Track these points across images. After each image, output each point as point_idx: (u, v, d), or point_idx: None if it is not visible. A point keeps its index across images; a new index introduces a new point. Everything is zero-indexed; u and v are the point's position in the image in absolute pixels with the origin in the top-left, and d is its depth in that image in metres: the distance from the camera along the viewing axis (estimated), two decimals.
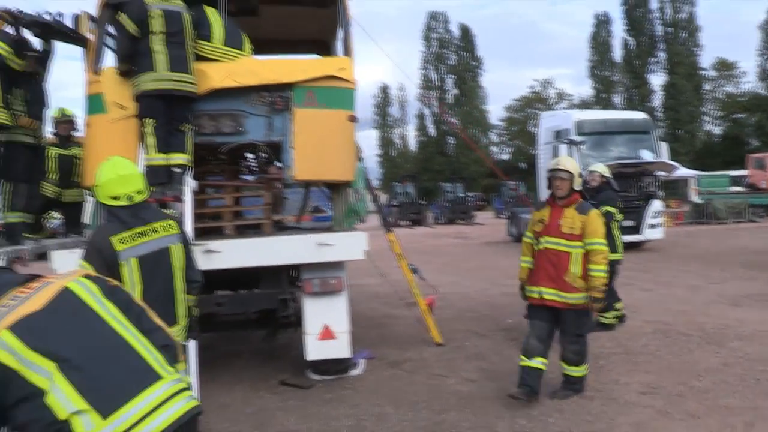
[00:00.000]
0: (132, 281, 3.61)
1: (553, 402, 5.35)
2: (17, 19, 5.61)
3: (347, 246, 5.93)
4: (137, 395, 2.10)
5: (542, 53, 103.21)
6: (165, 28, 5.53)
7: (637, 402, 5.34)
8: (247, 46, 6.27)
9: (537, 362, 5.33)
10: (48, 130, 6.84)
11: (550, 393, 5.47)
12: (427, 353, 7.18)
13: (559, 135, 17.95)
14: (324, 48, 8.08)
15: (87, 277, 2.38)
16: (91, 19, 6.11)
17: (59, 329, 2.14)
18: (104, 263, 3.51)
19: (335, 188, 6.58)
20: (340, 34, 6.83)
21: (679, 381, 5.81)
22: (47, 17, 5.70)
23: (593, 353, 6.81)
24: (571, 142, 16.74)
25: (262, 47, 7.59)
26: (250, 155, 7.25)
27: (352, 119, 6.19)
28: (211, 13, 6.13)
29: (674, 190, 29.69)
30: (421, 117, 65.47)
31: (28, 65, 5.83)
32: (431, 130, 64.75)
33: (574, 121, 17.72)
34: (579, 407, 5.24)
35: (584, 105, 53.28)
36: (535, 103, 58.68)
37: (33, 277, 2.31)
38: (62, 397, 2.03)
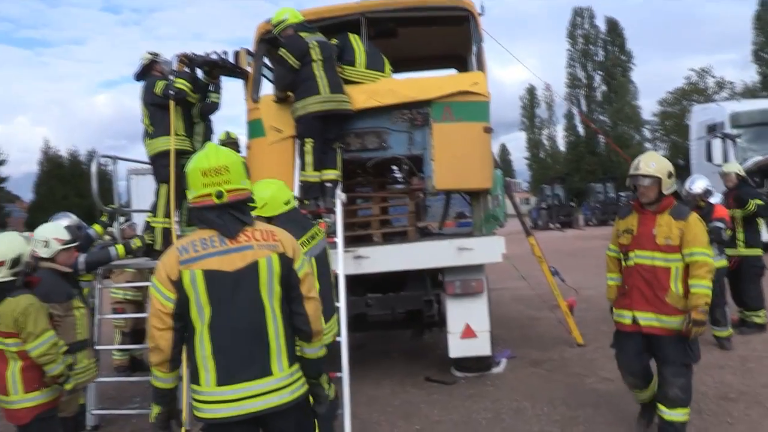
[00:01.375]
0: None
1: (693, 402, 5.33)
2: (192, 61, 6.48)
3: (485, 250, 6.25)
4: (247, 381, 2.74)
5: (701, 39, 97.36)
6: (322, 56, 6.17)
7: None
8: (387, 67, 6.79)
9: (648, 394, 4.72)
10: None
11: None
12: (568, 353, 7.34)
13: (712, 129, 17.01)
14: (461, 62, 8.45)
15: (280, 255, 2.85)
16: (249, 53, 6.90)
17: (230, 296, 2.75)
18: None
19: (474, 195, 6.95)
20: (474, 48, 7.19)
21: None
22: (214, 56, 6.53)
23: (741, 356, 6.70)
24: (726, 137, 15.81)
25: (401, 65, 8.13)
26: (394, 168, 7.78)
27: (488, 130, 6.53)
28: (354, 39, 6.71)
29: None
30: (569, 117, 63.89)
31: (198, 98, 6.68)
32: (580, 129, 62.99)
33: (729, 114, 16.64)
34: (719, 408, 5.23)
35: (749, 93, 49.32)
36: (692, 94, 55.09)
37: (244, 227, 2.85)
38: (203, 347, 2.74)
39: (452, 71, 8.67)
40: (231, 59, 6.77)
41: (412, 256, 6.32)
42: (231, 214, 2.83)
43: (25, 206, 59.89)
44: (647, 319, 4.42)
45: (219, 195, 2.78)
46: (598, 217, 37.25)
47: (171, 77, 6.27)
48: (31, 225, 40.03)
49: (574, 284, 10.11)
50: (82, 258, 5.37)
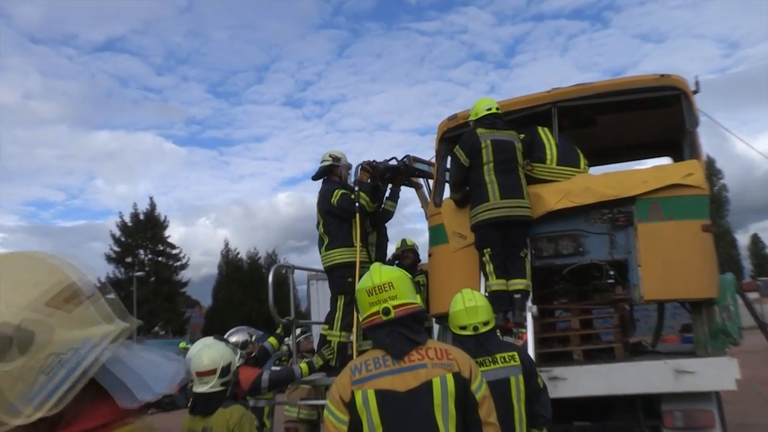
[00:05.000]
0: None
1: None
2: (375, 169, 6.81)
3: (712, 373, 5.64)
4: None
5: None
6: (494, 158, 6.16)
7: None
8: (583, 161, 6.57)
9: None
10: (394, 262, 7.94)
11: None
12: None
13: None
14: (675, 149, 7.92)
15: (455, 375, 2.87)
16: (416, 160, 7.23)
17: (402, 417, 2.79)
18: None
19: (694, 307, 6.39)
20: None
21: None
22: (394, 162, 6.82)
23: None
24: None
25: (601, 157, 7.90)
26: (593, 275, 7.43)
27: (707, 228, 6.05)
28: (544, 133, 6.62)
29: None
30: None
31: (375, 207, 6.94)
32: None
33: None
34: None
35: None
36: None
37: (415, 346, 2.90)
38: None
39: (664, 160, 8.27)
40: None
41: (618, 378, 5.83)
42: (400, 333, 2.92)
43: (203, 311, 64.51)
44: None
45: (386, 312, 2.92)
46: None
47: (355, 188, 6.61)
48: (207, 332, 43.07)
49: None
50: (265, 375, 5.66)
